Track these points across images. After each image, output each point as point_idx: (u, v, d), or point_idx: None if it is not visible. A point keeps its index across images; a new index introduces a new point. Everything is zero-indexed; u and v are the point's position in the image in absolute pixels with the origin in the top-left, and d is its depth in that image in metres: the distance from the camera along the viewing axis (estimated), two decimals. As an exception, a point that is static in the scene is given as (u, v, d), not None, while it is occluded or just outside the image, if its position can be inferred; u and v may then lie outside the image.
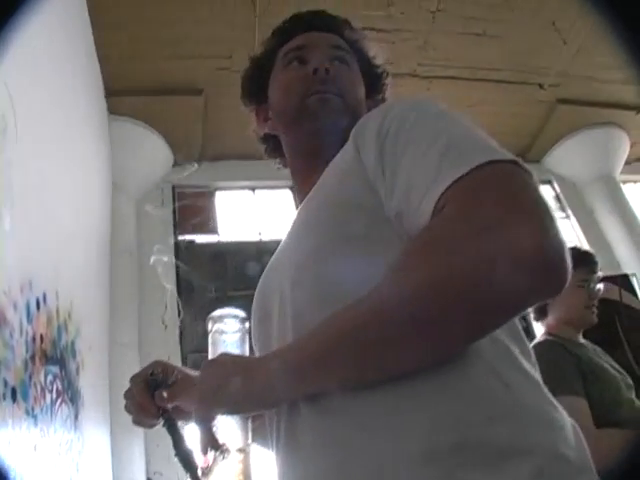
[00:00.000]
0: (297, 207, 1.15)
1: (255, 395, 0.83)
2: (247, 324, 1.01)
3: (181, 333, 5.61)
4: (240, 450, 0.88)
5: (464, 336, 0.74)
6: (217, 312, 1.01)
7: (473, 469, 0.70)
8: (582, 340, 2.49)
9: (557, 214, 7.41)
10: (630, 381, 2.38)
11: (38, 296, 2.43)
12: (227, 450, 0.86)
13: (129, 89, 5.46)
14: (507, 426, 0.72)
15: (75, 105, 3.88)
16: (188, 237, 6.23)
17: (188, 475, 0.93)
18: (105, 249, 5.03)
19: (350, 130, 0.99)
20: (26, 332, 2.22)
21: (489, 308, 0.71)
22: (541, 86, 6.46)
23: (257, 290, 1.10)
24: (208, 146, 6.25)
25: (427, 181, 0.77)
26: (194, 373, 1.08)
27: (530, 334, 2.59)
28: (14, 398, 1.98)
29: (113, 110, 5.57)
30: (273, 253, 1.07)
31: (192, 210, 6.40)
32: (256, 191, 6.80)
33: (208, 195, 6.70)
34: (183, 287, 5.78)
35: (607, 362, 2.41)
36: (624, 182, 7.60)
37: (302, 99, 1.15)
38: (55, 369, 2.67)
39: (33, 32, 2.53)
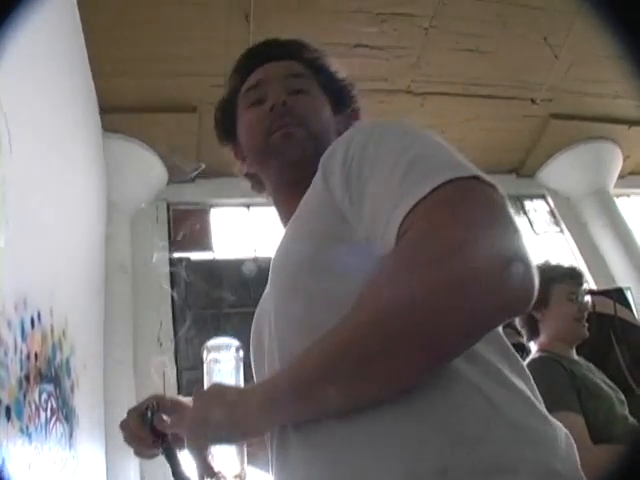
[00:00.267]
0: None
1: (239, 427, 0.85)
2: (241, 353, 1.02)
3: (176, 350, 5.59)
4: (236, 476, 0.90)
5: (425, 365, 0.74)
6: (212, 342, 1.03)
7: None
8: (575, 357, 2.50)
9: (551, 228, 7.43)
10: (623, 397, 2.38)
11: (33, 314, 2.42)
12: (223, 477, 0.87)
13: (123, 106, 5.47)
14: (492, 445, 0.71)
15: (69, 122, 3.88)
16: (183, 254, 6.22)
17: None
18: (100, 266, 5.01)
19: (321, 155, 0.99)
20: (20, 350, 2.20)
21: (451, 333, 0.70)
22: (534, 101, 6.49)
23: (254, 317, 1.13)
24: (202, 163, 6.26)
25: (389, 207, 0.78)
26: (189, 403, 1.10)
27: (525, 350, 2.59)
28: (8, 417, 1.96)
29: (107, 127, 5.56)
30: (268, 270, 1.08)
31: (187, 227, 6.40)
32: (251, 208, 6.79)
33: (203, 212, 6.70)
34: (178, 304, 5.76)
35: (600, 379, 2.41)
36: (617, 196, 7.62)
37: (265, 138, 1.16)
38: (50, 387, 2.65)
39: (27, 49, 2.54)
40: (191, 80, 5.38)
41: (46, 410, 2.55)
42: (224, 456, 0.89)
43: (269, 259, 1.02)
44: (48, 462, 2.53)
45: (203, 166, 5.69)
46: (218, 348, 1.01)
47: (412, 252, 0.73)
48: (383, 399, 0.75)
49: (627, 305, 3.80)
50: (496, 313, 0.72)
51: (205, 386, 0.96)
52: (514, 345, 0.90)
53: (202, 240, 6.48)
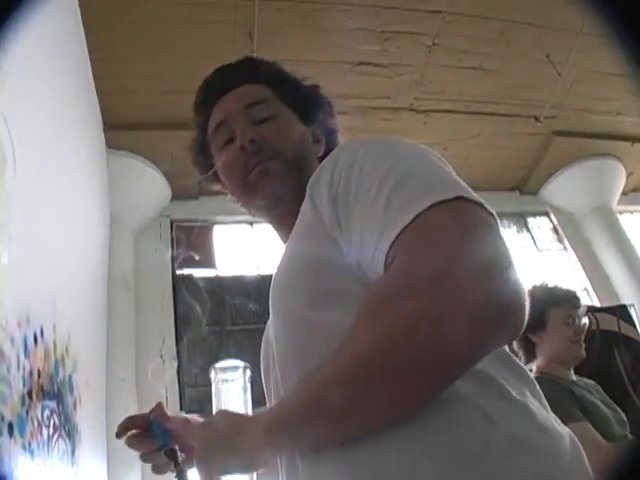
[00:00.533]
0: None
1: (245, 459, 0.86)
2: (248, 373, 1.03)
3: (179, 367, 5.57)
4: None
5: (415, 397, 0.73)
6: (220, 364, 1.04)
7: None
8: (574, 377, 2.51)
9: (554, 245, 7.42)
10: (623, 417, 2.38)
11: (35, 330, 2.42)
12: None
13: (127, 123, 5.49)
14: (491, 461, 0.70)
15: (74, 139, 3.89)
16: (186, 271, 6.21)
17: None
18: (103, 283, 5.01)
19: (307, 174, 1.00)
20: (23, 367, 2.20)
21: (438, 366, 0.70)
22: (537, 118, 6.50)
23: (262, 344, 1.11)
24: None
25: (375, 235, 0.77)
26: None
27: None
28: (11, 433, 1.96)
29: (111, 144, 5.58)
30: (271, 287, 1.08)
31: (190, 244, 6.40)
32: (254, 225, 6.79)
33: (206, 229, 6.70)
34: (181, 321, 5.75)
35: (600, 399, 2.41)
36: (621, 212, 7.61)
37: (243, 178, 1.16)
38: (52, 404, 2.65)
39: (32, 65, 2.55)
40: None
41: (48, 427, 2.54)
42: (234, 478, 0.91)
43: (272, 276, 1.02)
44: (50, 479, 2.52)
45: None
46: (226, 369, 1.02)
47: (396, 286, 0.73)
48: (381, 428, 0.74)
49: (631, 322, 3.80)
50: (484, 343, 0.71)
51: (214, 406, 0.98)
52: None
53: (205, 257, 6.48)
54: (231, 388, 1.01)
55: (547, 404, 0.84)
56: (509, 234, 7.38)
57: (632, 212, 7.97)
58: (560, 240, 7.50)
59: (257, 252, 6.64)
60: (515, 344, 2.60)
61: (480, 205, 0.76)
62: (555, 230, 7.60)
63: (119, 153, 5.68)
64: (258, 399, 1.05)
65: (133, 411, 4.86)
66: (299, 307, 0.91)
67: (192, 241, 6.46)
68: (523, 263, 6.95)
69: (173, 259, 6.24)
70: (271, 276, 1.00)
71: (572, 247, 7.34)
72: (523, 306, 0.70)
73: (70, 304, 3.24)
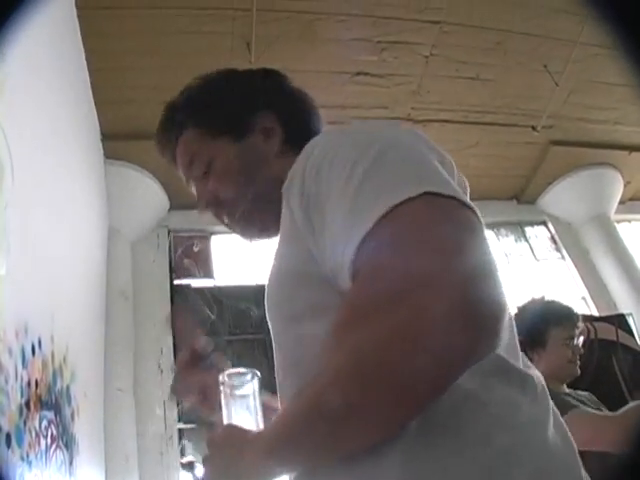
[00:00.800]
0: None
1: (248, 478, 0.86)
2: (257, 379, 1.03)
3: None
4: None
5: (393, 424, 0.70)
6: (228, 371, 1.04)
7: None
8: (567, 390, 2.52)
9: (552, 255, 7.42)
10: None
11: (33, 341, 2.42)
12: None
13: (125, 133, 5.48)
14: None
15: (71, 149, 3.89)
16: (184, 281, 6.20)
17: None
18: (101, 293, 5.00)
19: (272, 180, 1.02)
20: (21, 377, 2.20)
21: (409, 399, 0.66)
22: (534, 128, 6.51)
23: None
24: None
25: (341, 243, 0.74)
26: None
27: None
28: (9, 444, 1.95)
29: (109, 154, 5.58)
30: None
31: (188, 254, 6.40)
32: (252, 235, 6.78)
33: (204, 239, 6.70)
34: (175, 332, 5.73)
35: (595, 409, 2.42)
36: (618, 221, 7.62)
37: (223, 223, 1.20)
38: (50, 414, 2.64)
39: (30, 75, 2.56)
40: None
41: (46, 437, 2.53)
42: None
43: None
44: (48, 490, 2.52)
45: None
46: (234, 377, 1.01)
47: (360, 307, 0.69)
48: (366, 448, 0.72)
49: (629, 331, 3.80)
50: (455, 364, 0.65)
51: (224, 416, 0.98)
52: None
53: (203, 267, 6.47)
54: (240, 395, 1.00)
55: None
56: (507, 243, 7.39)
57: (630, 221, 7.97)
58: (558, 249, 7.50)
59: (255, 262, 6.63)
60: None
61: (452, 198, 0.70)
62: (553, 239, 7.60)
63: (117, 163, 5.67)
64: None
65: (131, 422, 4.85)
66: (285, 321, 0.91)
67: (190, 251, 6.45)
68: (521, 272, 6.96)
69: (171, 269, 6.24)
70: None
71: (570, 256, 7.33)
72: (496, 321, 0.64)
73: (68, 314, 3.24)
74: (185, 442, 5.19)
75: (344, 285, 0.76)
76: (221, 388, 1.01)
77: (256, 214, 1.13)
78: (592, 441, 1.88)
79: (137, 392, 5.16)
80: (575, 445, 0.80)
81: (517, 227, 7.56)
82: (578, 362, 2.56)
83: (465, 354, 0.64)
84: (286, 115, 1.20)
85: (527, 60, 5.79)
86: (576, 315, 2.68)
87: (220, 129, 1.18)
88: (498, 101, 6.19)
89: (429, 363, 0.62)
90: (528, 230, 7.62)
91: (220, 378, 1.02)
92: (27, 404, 2.25)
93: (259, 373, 1.03)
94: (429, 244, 0.66)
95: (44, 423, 2.51)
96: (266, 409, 1.01)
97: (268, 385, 1.06)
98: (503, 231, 7.43)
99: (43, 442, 2.47)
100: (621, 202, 7.56)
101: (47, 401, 2.61)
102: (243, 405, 0.98)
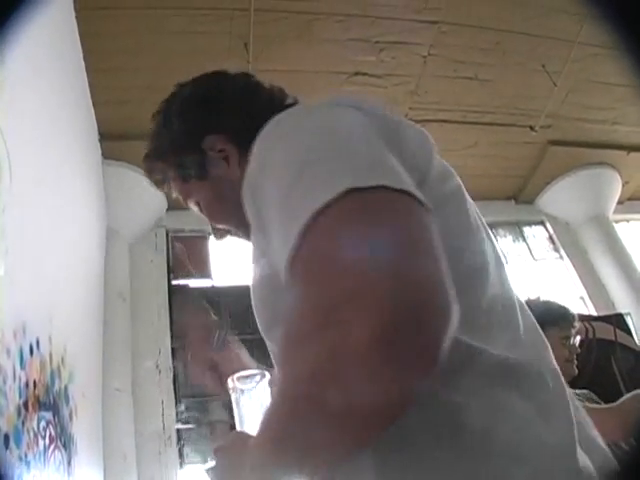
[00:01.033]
0: None
1: None
2: (266, 380, 1.03)
3: (175, 378, 5.55)
4: None
5: (350, 447, 0.65)
6: (237, 375, 1.04)
7: None
8: None
9: (550, 255, 7.43)
10: None
11: (31, 341, 2.41)
12: None
13: (123, 134, 5.48)
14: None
15: (70, 150, 3.89)
16: (182, 281, 6.20)
17: None
18: (99, 293, 5.00)
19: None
20: (19, 378, 2.19)
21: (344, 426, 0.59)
22: (532, 128, 6.52)
23: None
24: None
25: (278, 253, 0.70)
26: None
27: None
28: (7, 444, 1.95)
29: (107, 155, 5.58)
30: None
31: (186, 254, 6.40)
32: (250, 234, 6.78)
33: (202, 239, 6.69)
34: (176, 331, 5.74)
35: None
36: (617, 221, 7.63)
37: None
38: (48, 415, 2.64)
39: (28, 76, 2.55)
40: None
41: (44, 438, 2.53)
42: None
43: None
44: (46, 491, 2.51)
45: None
46: (243, 381, 1.01)
47: (294, 333, 0.63)
48: (345, 456, 0.68)
49: (627, 330, 3.81)
50: (388, 391, 0.56)
51: (235, 418, 1.01)
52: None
53: (201, 267, 6.47)
54: (250, 397, 1.00)
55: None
56: (505, 243, 7.40)
57: (628, 221, 7.98)
58: (556, 249, 7.51)
59: (253, 262, 6.63)
60: None
61: (383, 187, 0.62)
62: (551, 239, 7.61)
63: (115, 164, 5.67)
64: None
65: (129, 421, 4.85)
66: (265, 330, 0.91)
67: (188, 251, 6.45)
68: (519, 272, 6.96)
69: (169, 269, 6.24)
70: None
71: (568, 256, 7.35)
72: (438, 334, 0.55)
73: (66, 315, 3.23)
74: (183, 442, 5.19)
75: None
76: (231, 393, 1.01)
77: (237, 231, 1.25)
78: None
79: (135, 392, 5.16)
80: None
81: (515, 227, 7.57)
82: (575, 362, 2.56)
83: (393, 397, 0.57)
84: (230, 129, 1.19)
85: (525, 60, 5.80)
86: (572, 315, 2.68)
87: (185, 175, 1.23)
88: (496, 101, 6.20)
89: (361, 404, 0.56)
90: (526, 230, 7.64)
91: (229, 384, 1.01)
92: (25, 405, 2.24)
93: (267, 372, 1.03)
94: (356, 249, 0.58)
95: (42, 423, 2.51)
96: None
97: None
98: (501, 231, 7.44)
99: (41, 442, 2.47)
100: (619, 202, 7.58)
101: (45, 402, 2.60)
102: (255, 407, 0.99)
